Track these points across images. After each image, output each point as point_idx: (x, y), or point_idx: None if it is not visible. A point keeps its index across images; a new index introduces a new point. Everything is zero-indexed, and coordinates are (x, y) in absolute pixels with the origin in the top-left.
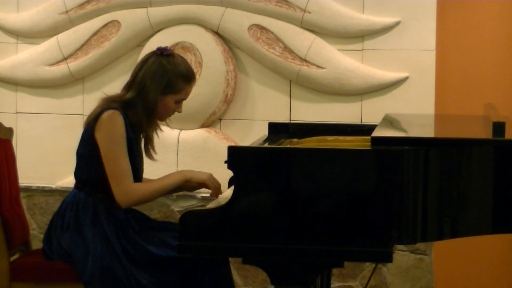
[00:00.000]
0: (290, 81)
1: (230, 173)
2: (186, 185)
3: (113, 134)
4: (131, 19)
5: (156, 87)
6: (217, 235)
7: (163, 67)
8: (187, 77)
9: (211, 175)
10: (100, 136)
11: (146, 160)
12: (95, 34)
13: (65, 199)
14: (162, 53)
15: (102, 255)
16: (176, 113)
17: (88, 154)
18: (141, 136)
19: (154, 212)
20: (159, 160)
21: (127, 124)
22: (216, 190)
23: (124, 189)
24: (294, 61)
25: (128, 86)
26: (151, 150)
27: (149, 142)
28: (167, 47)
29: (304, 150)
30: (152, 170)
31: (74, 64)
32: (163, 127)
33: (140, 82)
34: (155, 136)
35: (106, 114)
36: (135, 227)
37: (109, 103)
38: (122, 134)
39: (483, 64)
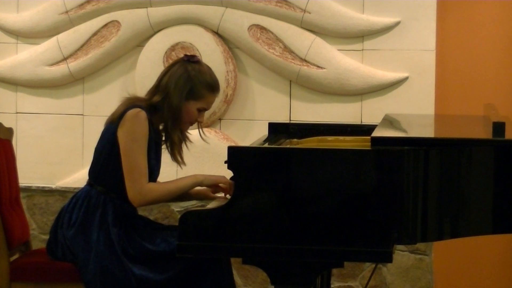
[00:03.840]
0: (290, 81)
1: (230, 173)
2: (194, 193)
3: (135, 131)
4: (131, 19)
5: (180, 92)
6: (217, 235)
7: (188, 72)
8: (210, 85)
9: (223, 176)
10: (122, 132)
11: None
12: (95, 34)
13: (75, 195)
14: (188, 60)
15: (103, 255)
16: None
17: (108, 152)
18: (163, 140)
19: (154, 212)
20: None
21: (150, 126)
22: (230, 186)
23: (138, 187)
24: (294, 61)
25: (153, 91)
26: (178, 156)
27: (174, 147)
28: (196, 55)
29: (304, 150)
30: None
31: (74, 64)
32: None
33: (165, 87)
34: (184, 147)
35: (131, 112)
36: (137, 227)
37: (134, 102)
38: (144, 133)
39: (483, 64)
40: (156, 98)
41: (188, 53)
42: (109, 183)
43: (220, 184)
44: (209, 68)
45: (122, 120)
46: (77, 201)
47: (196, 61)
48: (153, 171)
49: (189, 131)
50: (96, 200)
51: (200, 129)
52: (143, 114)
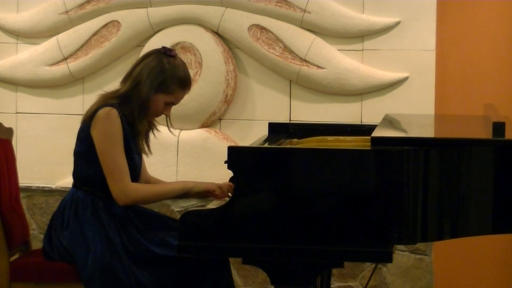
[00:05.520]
0: (290, 81)
1: (230, 173)
2: (188, 194)
3: (109, 132)
4: (131, 19)
5: (151, 83)
6: (217, 235)
7: (162, 65)
8: (182, 81)
9: (214, 183)
10: (96, 133)
11: (146, 161)
12: (95, 34)
13: (64, 198)
14: (165, 52)
15: (102, 254)
16: (176, 113)
17: (85, 152)
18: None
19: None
20: (159, 160)
21: (123, 121)
22: (222, 190)
23: (122, 187)
24: (294, 61)
25: (125, 79)
26: (143, 145)
27: (139, 136)
28: (173, 49)
29: (304, 150)
30: (153, 170)
31: (74, 64)
32: (162, 127)
33: (137, 76)
34: (151, 136)
35: (102, 111)
36: (135, 224)
37: (106, 100)
38: (118, 132)
39: (483, 64)
40: (127, 87)
41: (166, 47)
42: (93, 183)
43: (213, 192)
44: (184, 64)
45: (94, 120)
46: (65, 204)
47: (172, 55)
48: (136, 167)
49: (189, 131)
50: (84, 200)
51: (169, 122)
52: (114, 112)
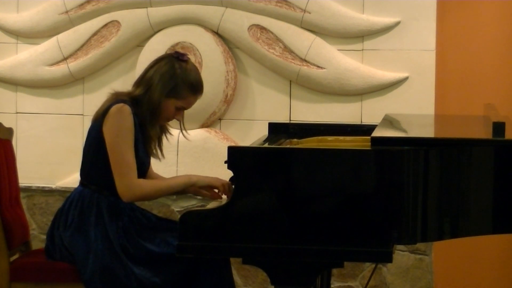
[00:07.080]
0: (290, 81)
1: (230, 173)
2: (192, 188)
3: (120, 127)
4: (131, 19)
5: (162, 88)
6: (217, 235)
7: (174, 70)
8: (194, 87)
9: (217, 178)
10: (107, 128)
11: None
12: (95, 34)
13: (69, 197)
14: (177, 57)
15: (103, 254)
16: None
17: (95, 150)
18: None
19: (154, 212)
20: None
21: (135, 120)
22: (224, 188)
23: (127, 182)
24: (294, 61)
25: (138, 83)
26: (155, 150)
27: (150, 141)
28: (186, 54)
29: (304, 150)
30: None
31: (74, 64)
32: (174, 131)
33: (149, 80)
34: (164, 139)
35: (115, 107)
36: (136, 225)
37: (118, 97)
38: (129, 127)
39: (483, 64)
40: (139, 91)
41: (181, 51)
42: (100, 181)
43: (214, 190)
44: (196, 69)
45: (106, 116)
46: (71, 202)
47: (184, 60)
48: (143, 164)
49: (189, 131)
50: (90, 199)
51: (182, 126)
52: (126, 108)
